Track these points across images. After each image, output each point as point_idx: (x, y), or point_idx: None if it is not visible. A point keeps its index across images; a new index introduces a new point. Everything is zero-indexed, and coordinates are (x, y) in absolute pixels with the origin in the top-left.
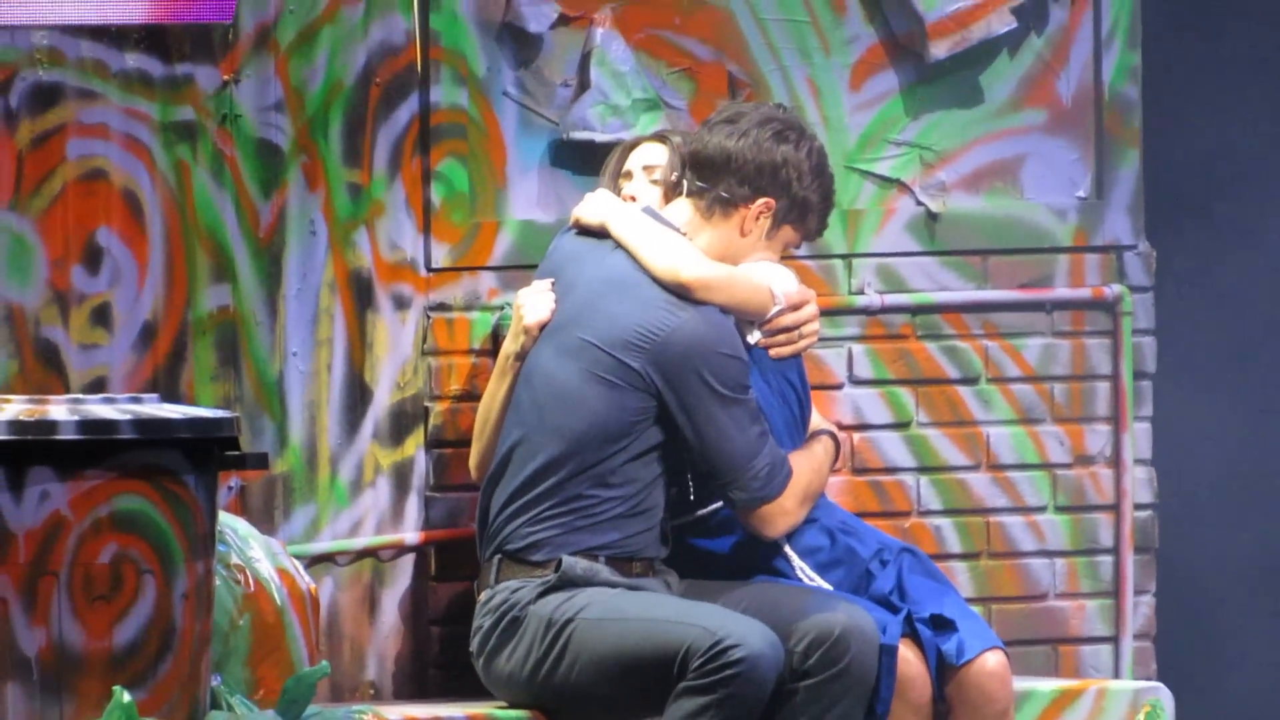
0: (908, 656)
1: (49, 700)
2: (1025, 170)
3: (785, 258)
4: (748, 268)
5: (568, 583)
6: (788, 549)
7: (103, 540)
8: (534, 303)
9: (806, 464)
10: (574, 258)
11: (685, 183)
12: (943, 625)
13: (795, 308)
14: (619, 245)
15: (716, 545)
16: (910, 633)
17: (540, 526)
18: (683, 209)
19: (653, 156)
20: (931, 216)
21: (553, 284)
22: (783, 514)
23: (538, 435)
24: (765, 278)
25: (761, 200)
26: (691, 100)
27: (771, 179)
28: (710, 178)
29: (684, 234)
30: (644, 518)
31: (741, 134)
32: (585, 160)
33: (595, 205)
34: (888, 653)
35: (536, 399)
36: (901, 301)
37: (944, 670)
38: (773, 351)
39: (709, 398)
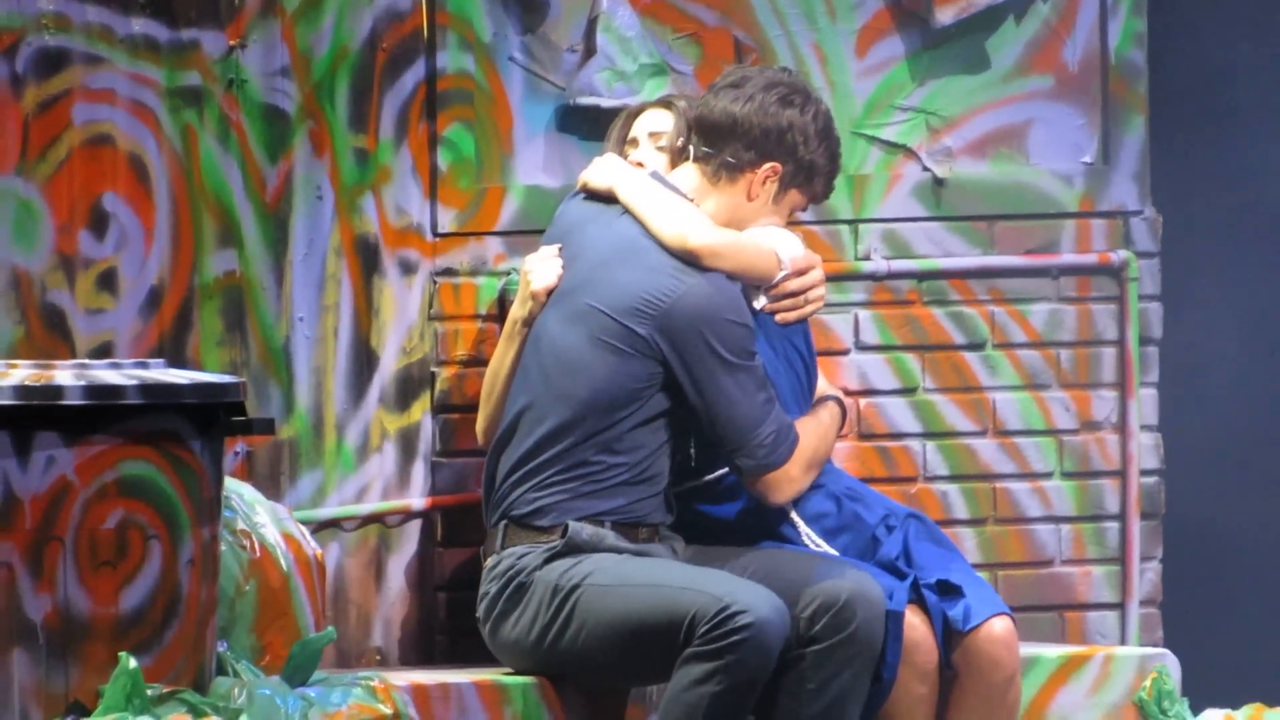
0: (914, 622)
1: (55, 666)
2: (1031, 136)
3: (791, 223)
4: (754, 233)
5: (574, 548)
6: (794, 515)
7: (109, 506)
8: (541, 269)
9: (812, 430)
10: (581, 223)
11: (691, 148)
12: (949, 591)
13: (801, 273)
14: (626, 210)
15: (722, 511)
16: (917, 598)
17: (546, 492)
18: (689, 174)
19: (658, 122)
20: (938, 182)
21: (560, 249)
22: (788, 480)
23: (544, 401)
24: (772, 243)
25: (768, 164)
26: (697, 65)
27: (778, 143)
28: (716, 143)
29: (691, 199)
30: (650, 484)
31: (747, 98)
32: (591, 125)
33: (603, 170)
34: (894, 618)
35: (543, 365)
36: (908, 267)
37: (950, 636)
38: (778, 317)
39: (715, 364)
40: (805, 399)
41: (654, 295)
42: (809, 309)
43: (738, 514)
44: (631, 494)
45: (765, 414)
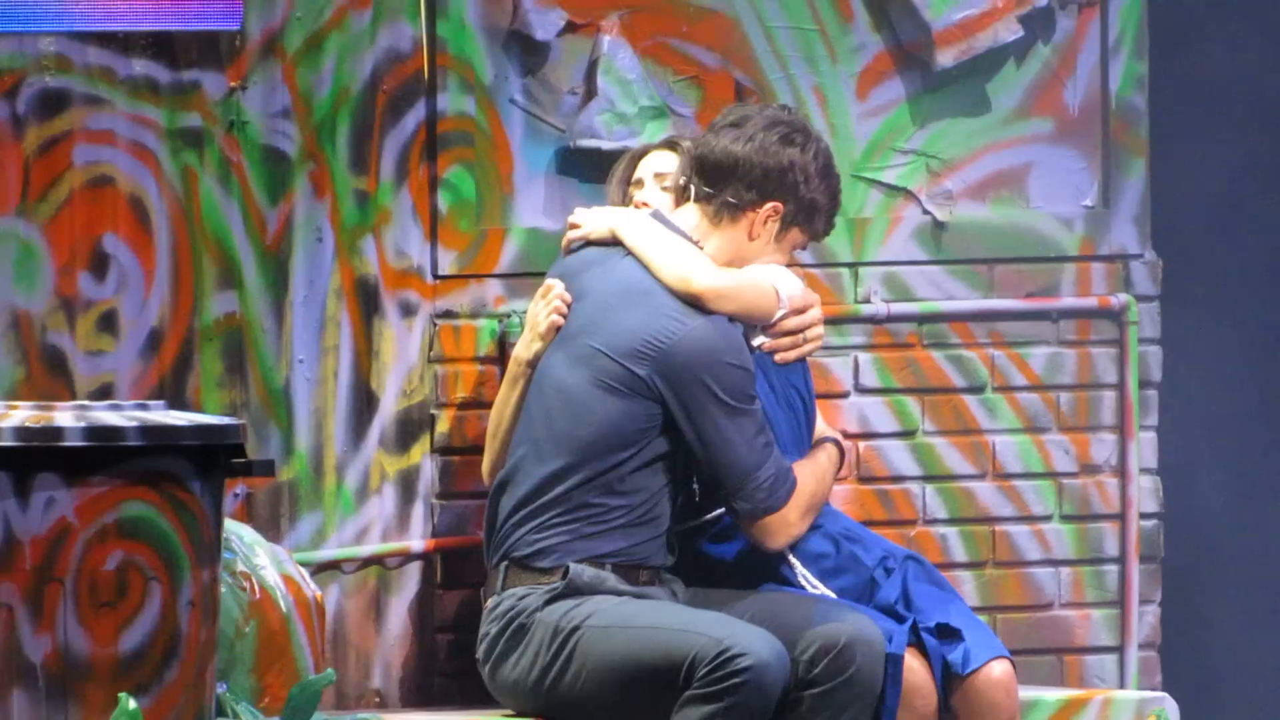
0: (913, 666)
1: (55, 707)
2: (1032, 179)
3: (790, 264)
4: (754, 270)
5: (574, 590)
6: (791, 556)
7: (108, 547)
8: (549, 307)
9: (810, 474)
10: (585, 265)
11: (692, 188)
12: (948, 634)
13: (799, 311)
14: (629, 253)
15: (722, 551)
16: (916, 642)
17: (547, 534)
18: (691, 214)
19: (663, 164)
20: (938, 225)
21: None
22: (785, 525)
23: (546, 443)
24: (771, 281)
25: (769, 204)
26: (698, 108)
27: (779, 183)
28: (717, 183)
29: (693, 239)
30: (650, 526)
31: (748, 138)
32: (592, 168)
33: (598, 217)
34: (893, 661)
35: (546, 406)
36: (908, 310)
37: (950, 680)
38: (777, 356)
39: (714, 407)
40: (805, 440)
41: (654, 337)
42: (808, 348)
43: (737, 554)
44: (633, 536)
45: (764, 458)
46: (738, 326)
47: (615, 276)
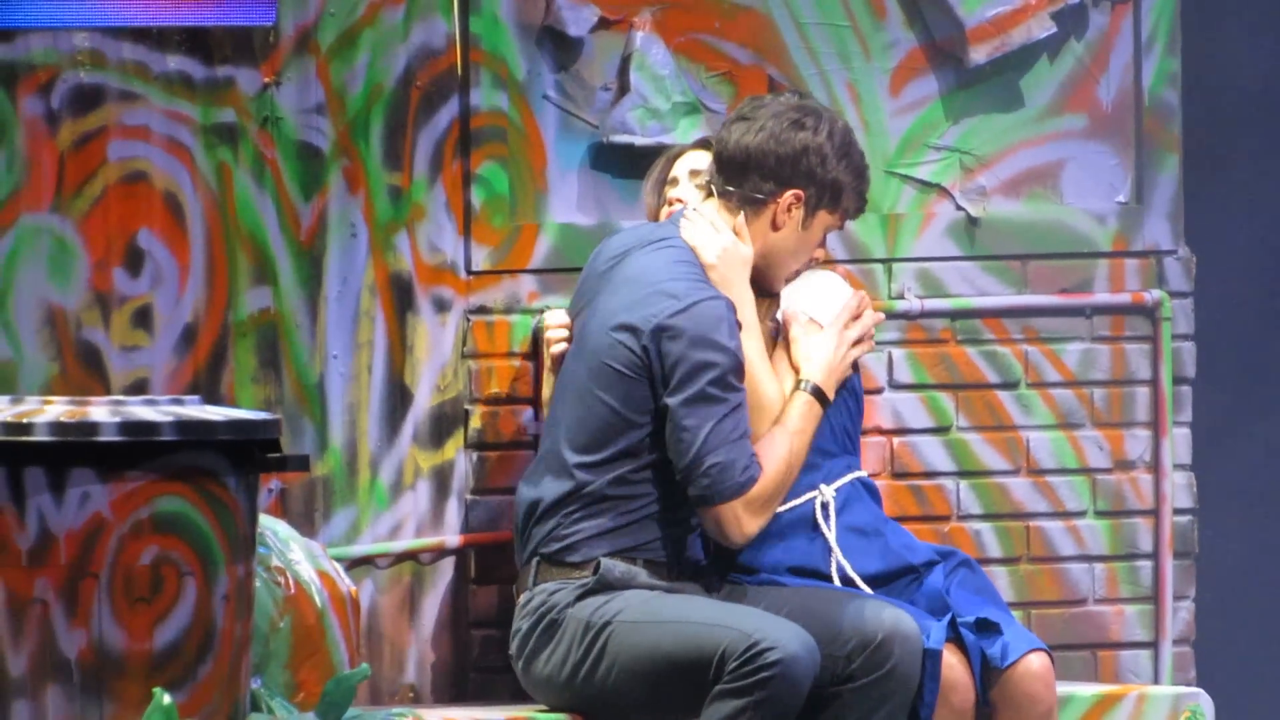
0: (951, 662)
1: (89, 702)
2: (1065, 175)
3: (827, 261)
4: (798, 296)
5: (606, 585)
6: (835, 548)
7: (144, 542)
8: (554, 335)
9: (779, 457)
10: (614, 259)
11: (714, 186)
12: (987, 628)
13: (856, 317)
14: (658, 247)
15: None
16: (954, 637)
17: (575, 528)
18: (716, 210)
19: (698, 162)
20: (971, 221)
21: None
22: (734, 519)
23: (565, 434)
24: (816, 305)
25: (789, 192)
26: (731, 104)
27: (794, 169)
28: (735, 179)
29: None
30: (676, 519)
31: (759, 129)
32: (625, 163)
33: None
34: (931, 657)
35: (566, 397)
36: (941, 306)
37: (988, 673)
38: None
39: (688, 386)
40: (854, 438)
41: (651, 312)
42: (868, 346)
43: (773, 548)
44: (659, 529)
45: (714, 445)
46: (733, 312)
47: (633, 264)
